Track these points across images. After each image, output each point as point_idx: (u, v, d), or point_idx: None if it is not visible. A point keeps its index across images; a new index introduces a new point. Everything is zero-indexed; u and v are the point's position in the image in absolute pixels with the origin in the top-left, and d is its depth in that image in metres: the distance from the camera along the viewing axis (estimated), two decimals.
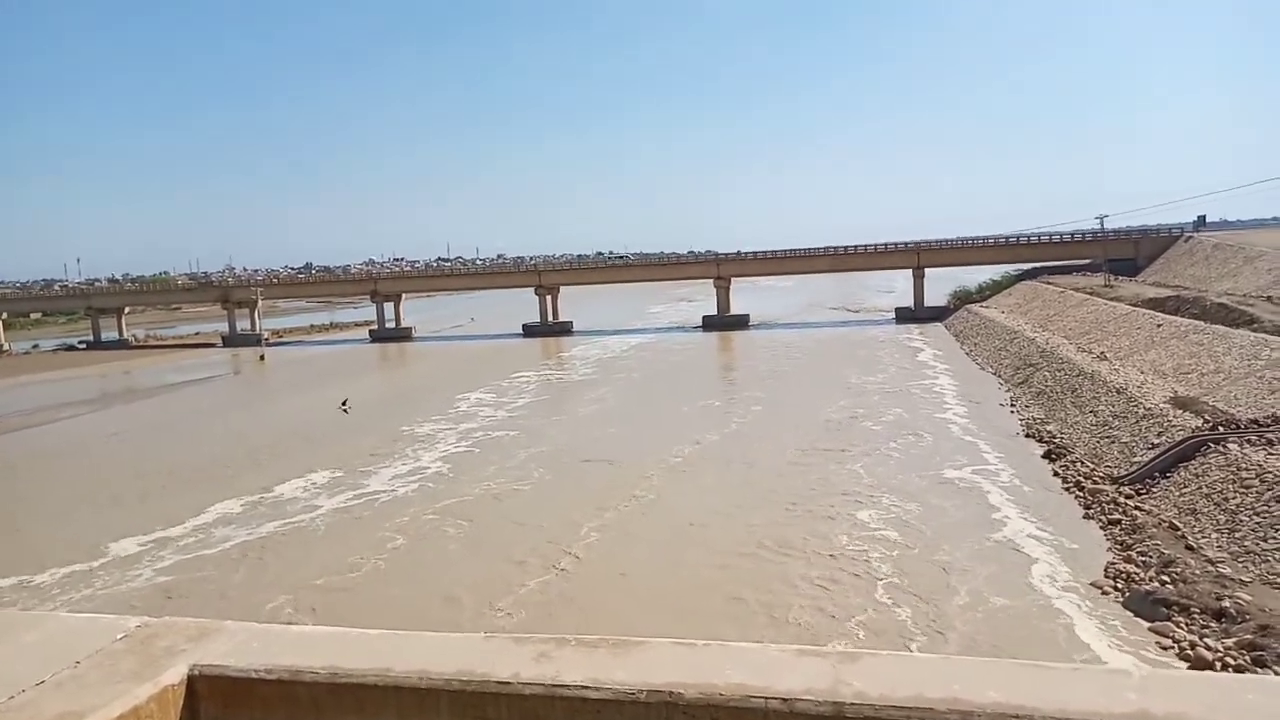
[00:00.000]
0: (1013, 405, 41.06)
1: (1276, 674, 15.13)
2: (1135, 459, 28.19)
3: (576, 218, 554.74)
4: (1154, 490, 25.38)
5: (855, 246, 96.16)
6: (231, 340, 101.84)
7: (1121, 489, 26.16)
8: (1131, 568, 20.70)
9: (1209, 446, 25.60)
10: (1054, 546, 22.86)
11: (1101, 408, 34.60)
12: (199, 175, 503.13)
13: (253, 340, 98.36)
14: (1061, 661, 2.49)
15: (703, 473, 32.02)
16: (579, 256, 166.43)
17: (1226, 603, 17.73)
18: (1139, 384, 35.30)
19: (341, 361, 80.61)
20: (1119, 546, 22.26)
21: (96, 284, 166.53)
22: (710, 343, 79.10)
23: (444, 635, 2.78)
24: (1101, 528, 23.76)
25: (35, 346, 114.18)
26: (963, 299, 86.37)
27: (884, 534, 24.55)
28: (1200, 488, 23.93)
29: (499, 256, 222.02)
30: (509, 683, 2.41)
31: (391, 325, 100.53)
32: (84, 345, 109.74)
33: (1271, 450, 24.21)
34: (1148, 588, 19.37)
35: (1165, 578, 19.63)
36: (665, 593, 21.10)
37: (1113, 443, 30.61)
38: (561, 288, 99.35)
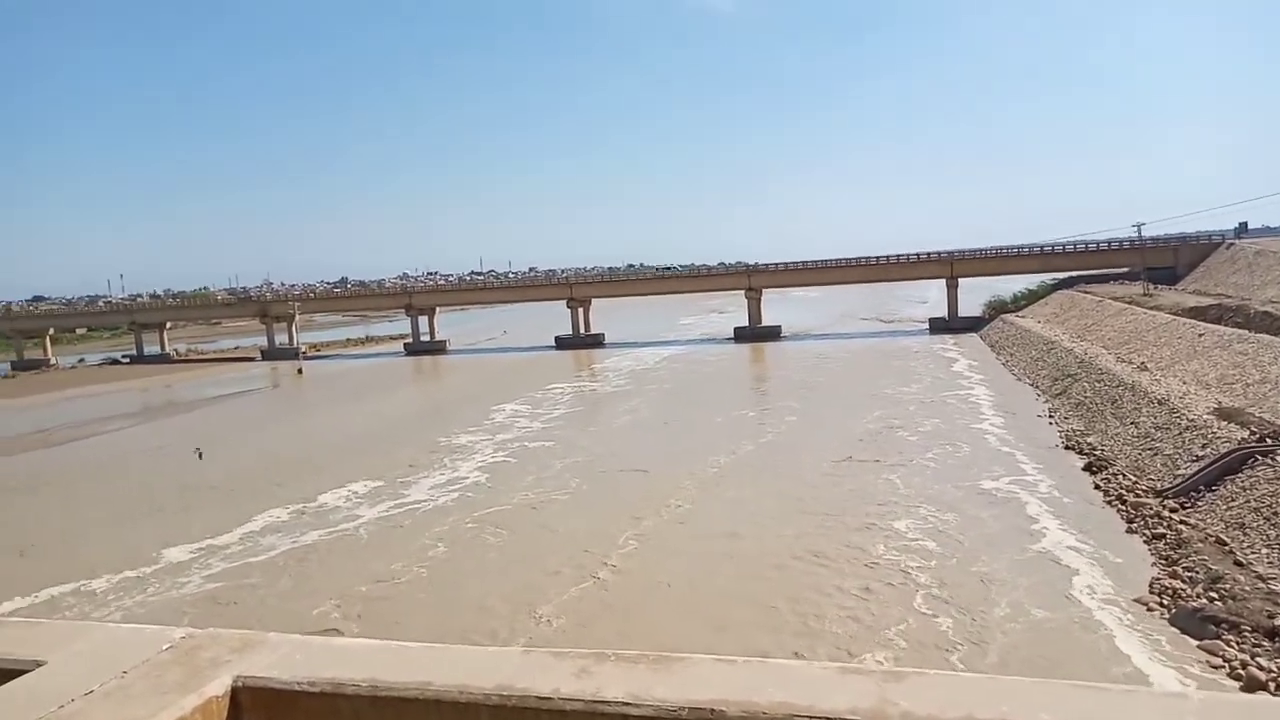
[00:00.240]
0: (1051, 417, 40.67)
1: None
2: (1179, 472, 27.82)
3: (608, 230, 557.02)
4: (1199, 504, 25.03)
5: (888, 257, 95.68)
6: (270, 354, 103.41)
7: (1165, 502, 25.82)
8: (1178, 583, 20.40)
9: (1257, 459, 25.22)
10: (1096, 559, 22.66)
11: (1143, 419, 34.19)
12: (238, 192, 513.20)
13: (290, 354, 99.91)
14: (1115, 682, 2.38)
15: (738, 483, 32.11)
16: (610, 269, 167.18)
17: None
18: (1181, 395, 34.84)
19: (377, 375, 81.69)
20: (1164, 561, 21.98)
21: (139, 299, 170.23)
22: (742, 354, 79.13)
23: (483, 649, 2.75)
24: (1145, 542, 23.48)
25: (81, 361, 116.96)
26: (998, 309, 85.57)
27: (921, 544, 24.49)
28: (1248, 501, 23.57)
29: (531, 270, 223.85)
30: (549, 698, 2.40)
31: (426, 338, 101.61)
32: (127, 359, 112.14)
33: None
34: (1195, 604, 19.08)
35: (1213, 594, 19.33)
36: (703, 601, 21.24)
37: (1155, 455, 30.24)
38: (593, 300, 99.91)
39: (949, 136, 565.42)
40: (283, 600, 22.71)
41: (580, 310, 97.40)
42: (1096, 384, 42.54)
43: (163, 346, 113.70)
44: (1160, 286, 72.13)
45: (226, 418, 59.52)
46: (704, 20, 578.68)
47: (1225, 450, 26.73)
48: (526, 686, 2.43)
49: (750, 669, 2.41)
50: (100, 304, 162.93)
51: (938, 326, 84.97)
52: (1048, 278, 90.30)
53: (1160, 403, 34.63)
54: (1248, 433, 27.60)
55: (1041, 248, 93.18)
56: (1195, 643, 17.83)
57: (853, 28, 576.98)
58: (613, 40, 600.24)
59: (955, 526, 25.72)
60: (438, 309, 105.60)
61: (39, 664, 3.03)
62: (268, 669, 2.78)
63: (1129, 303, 62.08)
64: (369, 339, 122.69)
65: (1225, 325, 44.78)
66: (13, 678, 2.99)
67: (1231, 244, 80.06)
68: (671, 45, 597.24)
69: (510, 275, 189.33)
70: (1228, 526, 22.94)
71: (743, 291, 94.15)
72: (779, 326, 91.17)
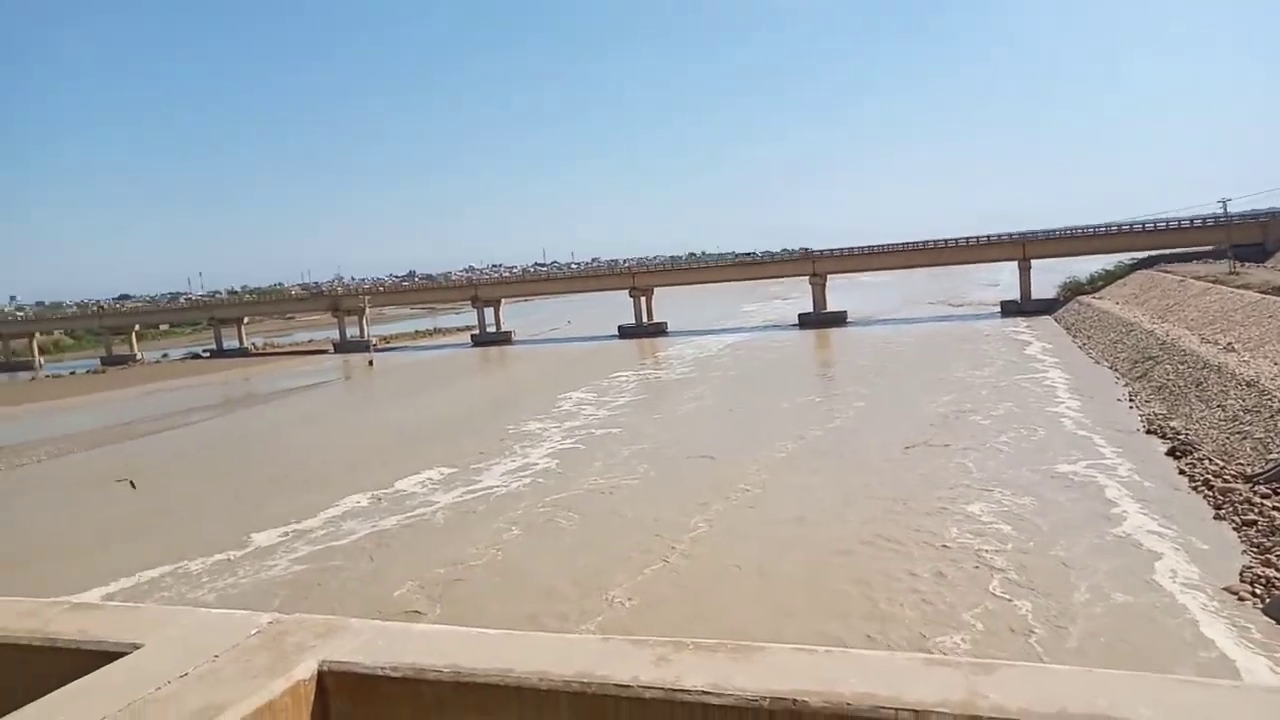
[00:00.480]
0: (1131, 400, 39.45)
1: None
2: (1271, 456, 26.75)
3: (670, 220, 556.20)
4: None
5: (956, 239, 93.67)
6: (342, 347, 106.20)
7: (1256, 488, 24.86)
8: (1271, 571, 19.65)
9: None
10: (1180, 545, 22.01)
11: (1231, 402, 32.93)
12: (308, 188, 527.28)
13: (361, 346, 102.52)
14: (1221, 678, 2.26)
15: (807, 468, 32.01)
16: (672, 258, 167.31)
17: None
18: (1273, 376, 33.44)
19: (445, 365, 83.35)
20: (1255, 549, 21.19)
21: (218, 296, 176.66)
22: (807, 340, 78.46)
23: (561, 636, 2.84)
24: (1234, 529, 22.68)
25: (165, 356, 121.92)
26: (1073, 290, 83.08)
27: (996, 528, 24.12)
28: None
29: (593, 260, 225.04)
30: (629, 685, 2.40)
31: (492, 329, 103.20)
32: (207, 354, 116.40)
33: None
34: None
35: None
36: (772, 586, 21.31)
37: (1245, 439, 29.11)
38: (655, 289, 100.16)
39: (1025, 115, 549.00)
40: (364, 583, 23.50)
41: (643, 299, 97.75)
42: (1180, 366, 41.09)
43: (240, 341, 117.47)
44: (1247, 264, 69.07)
45: (303, 408, 61.49)
46: (772, 12, 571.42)
47: None
48: (606, 674, 2.46)
49: (831, 659, 2.40)
50: (181, 301, 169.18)
51: (1010, 309, 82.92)
52: (1125, 258, 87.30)
53: (1249, 385, 33.31)
54: None
55: (1119, 227, 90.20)
56: None
57: (924, 13, 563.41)
58: (679, 30, 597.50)
59: (1031, 510, 25.25)
60: (503, 300, 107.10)
61: (136, 647, 3.17)
62: (351, 654, 2.85)
63: (1213, 281, 59.71)
64: (437, 330, 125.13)
65: None
66: (112, 659, 3.15)
67: None
68: (735, 38, 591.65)
69: (573, 266, 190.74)
70: None
71: (807, 278, 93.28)
72: (844, 312, 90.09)
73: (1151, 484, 26.96)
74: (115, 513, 33.36)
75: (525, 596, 21.48)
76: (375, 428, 49.59)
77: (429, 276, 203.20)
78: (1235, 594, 19.17)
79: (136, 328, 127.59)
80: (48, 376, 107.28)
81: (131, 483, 39.96)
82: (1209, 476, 26.81)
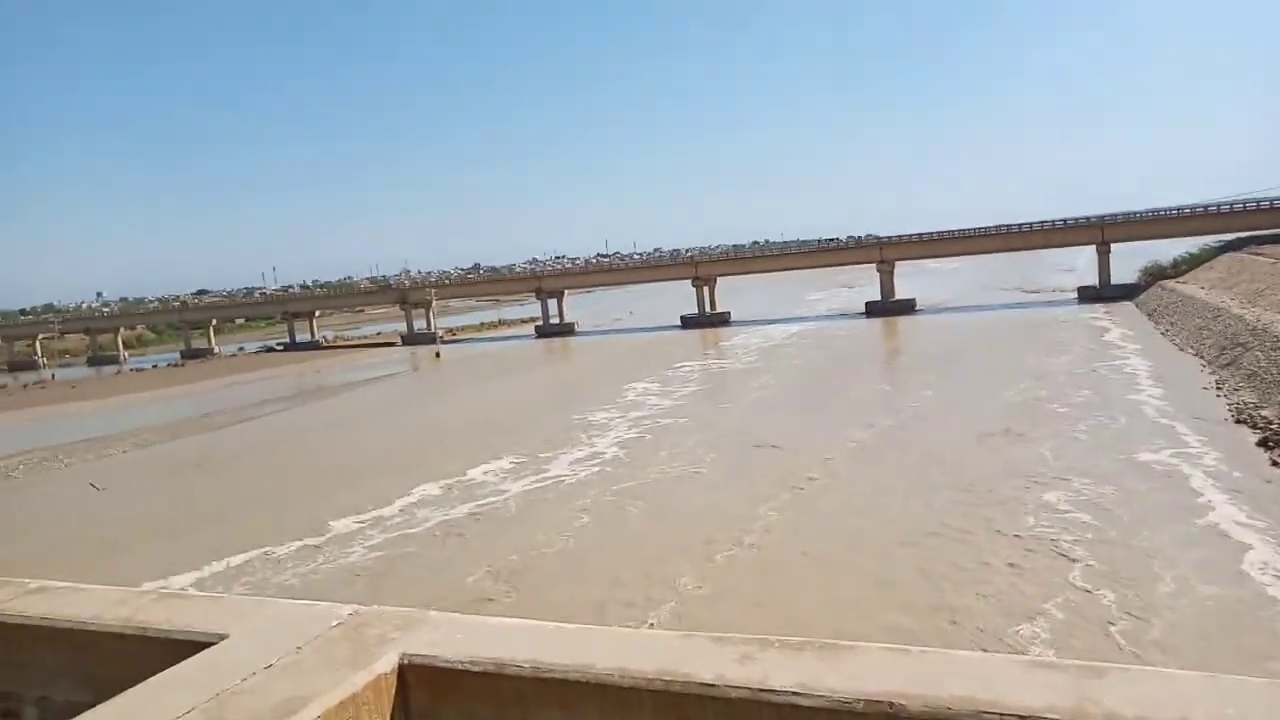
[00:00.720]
0: (1218, 388, 37.91)
1: None
2: None
3: (732, 207, 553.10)
4: None
5: (1031, 223, 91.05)
6: (410, 339, 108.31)
7: None
8: None
9: None
10: (1272, 537, 21.13)
11: None
12: (376, 183, 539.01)
13: (429, 339, 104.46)
14: None
15: (877, 456, 31.64)
16: (735, 246, 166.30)
17: None
18: None
19: (511, 356, 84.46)
20: None
21: (290, 290, 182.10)
22: (874, 329, 77.28)
23: (642, 631, 2.83)
24: None
25: (241, 349, 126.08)
26: (1155, 275, 79.93)
27: (1075, 517, 23.52)
28: None
29: (656, 250, 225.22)
30: (713, 684, 2.34)
31: (555, 321, 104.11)
32: (281, 347, 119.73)
33: None
34: None
35: None
36: (848, 571, 21.18)
37: None
38: (718, 278, 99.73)
39: (1102, 94, 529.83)
40: (439, 569, 24.07)
41: (705, 289, 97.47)
42: (1273, 353, 39.29)
43: (312, 334, 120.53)
44: None
45: (374, 399, 63.03)
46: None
47: None
48: (689, 672, 2.42)
49: (927, 660, 2.31)
50: (256, 296, 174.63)
51: (1087, 295, 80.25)
52: (1212, 240, 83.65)
53: None
54: None
55: (1204, 208, 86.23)
56: None
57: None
58: (743, 26, 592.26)
59: (1112, 500, 24.54)
60: (566, 291, 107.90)
61: (222, 637, 3.26)
62: (431, 647, 2.88)
63: None
64: (501, 322, 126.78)
65: None
66: (200, 649, 3.23)
67: None
68: (802, 37, 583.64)
69: (635, 256, 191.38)
70: None
71: (874, 265, 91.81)
72: (913, 300, 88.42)
73: (1240, 474, 25.92)
74: (201, 500, 34.78)
75: (595, 583, 21.75)
76: (444, 418, 50.60)
77: (493, 269, 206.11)
78: None
79: (214, 322, 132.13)
80: (132, 370, 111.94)
81: (94, 484, 39.71)
82: None
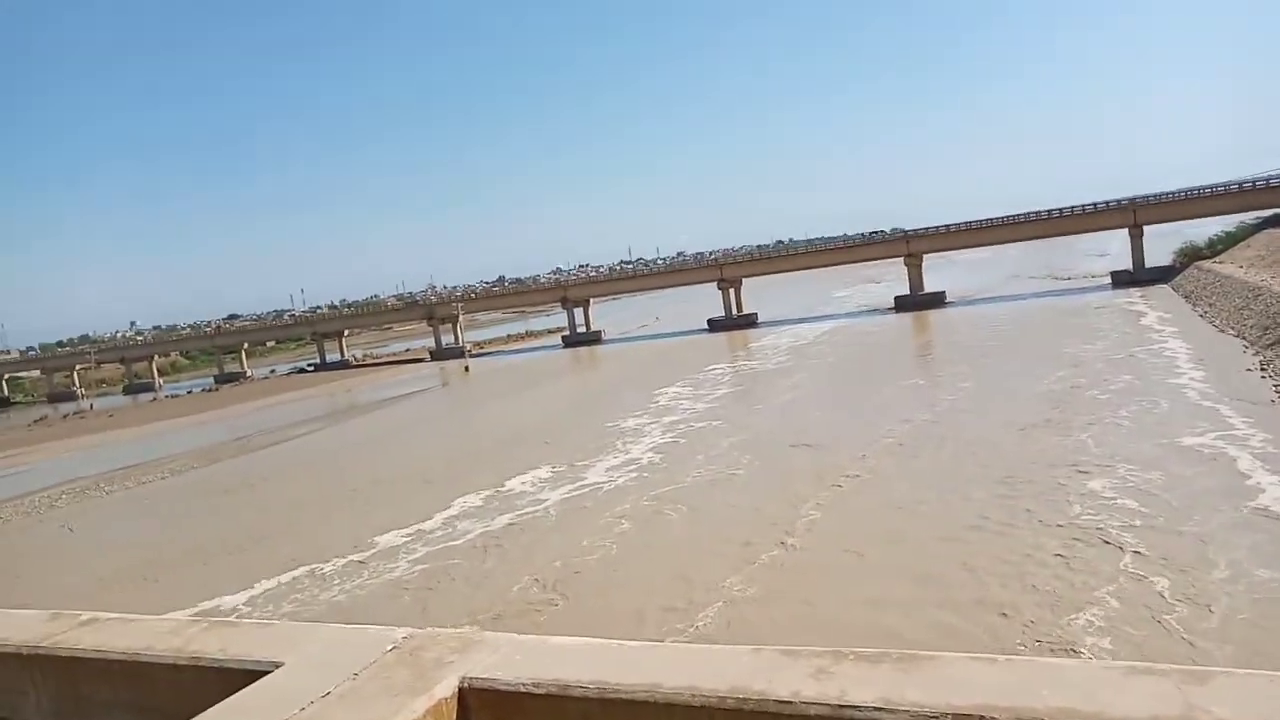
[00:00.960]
0: (1263, 369, 37.17)
1: None
2: None
3: (755, 208, 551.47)
4: None
5: (1060, 209, 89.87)
6: (438, 354, 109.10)
7: None
8: None
9: None
10: None
11: None
12: (398, 200, 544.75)
13: (457, 353, 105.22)
14: None
15: (915, 451, 31.40)
16: (759, 246, 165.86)
17: None
18: None
19: (539, 367, 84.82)
20: None
21: (319, 311, 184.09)
22: (905, 324, 76.73)
23: (708, 647, 2.72)
24: None
25: (272, 371, 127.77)
26: (1190, 256, 78.56)
27: (1121, 503, 23.19)
28: None
29: (679, 254, 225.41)
30: (790, 702, 2.24)
31: (582, 330, 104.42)
32: (312, 367, 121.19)
33: None
34: None
35: None
36: (892, 568, 21.02)
37: None
38: (744, 279, 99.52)
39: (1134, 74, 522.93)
40: (484, 580, 24.20)
41: (731, 291, 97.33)
42: None
43: (342, 353, 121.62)
44: None
45: (407, 415, 63.57)
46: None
47: None
48: (762, 689, 2.31)
49: (1015, 669, 2.19)
50: (286, 318, 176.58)
51: (1121, 280, 79.09)
52: (1248, 218, 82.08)
53: None
54: None
55: (1239, 185, 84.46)
56: None
57: None
58: (764, 27, 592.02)
59: (1159, 485, 24.16)
60: (591, 300, 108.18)
61: (277, 665, 3.20)
62: (491, 669, 2.80)
63: None
64: (528, 334, 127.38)
65: None
66: (255, 678, 3.17)
67: None
68: (824, 38, 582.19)
69: (659, 261, 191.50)
70: None
71: (901, 259, 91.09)
72: (943, 292, 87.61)
73: None
74: (244, 521, 35.28)
75: (640, 588, 21.77)
76: (478, 431, 50.95)
77: (518, 280, 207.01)
78: None
79: (245, 346, 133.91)
80: (167, 397, 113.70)
81: (70, 528, 39.15)
82: None
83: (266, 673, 3.16)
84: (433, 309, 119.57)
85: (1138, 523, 21.74)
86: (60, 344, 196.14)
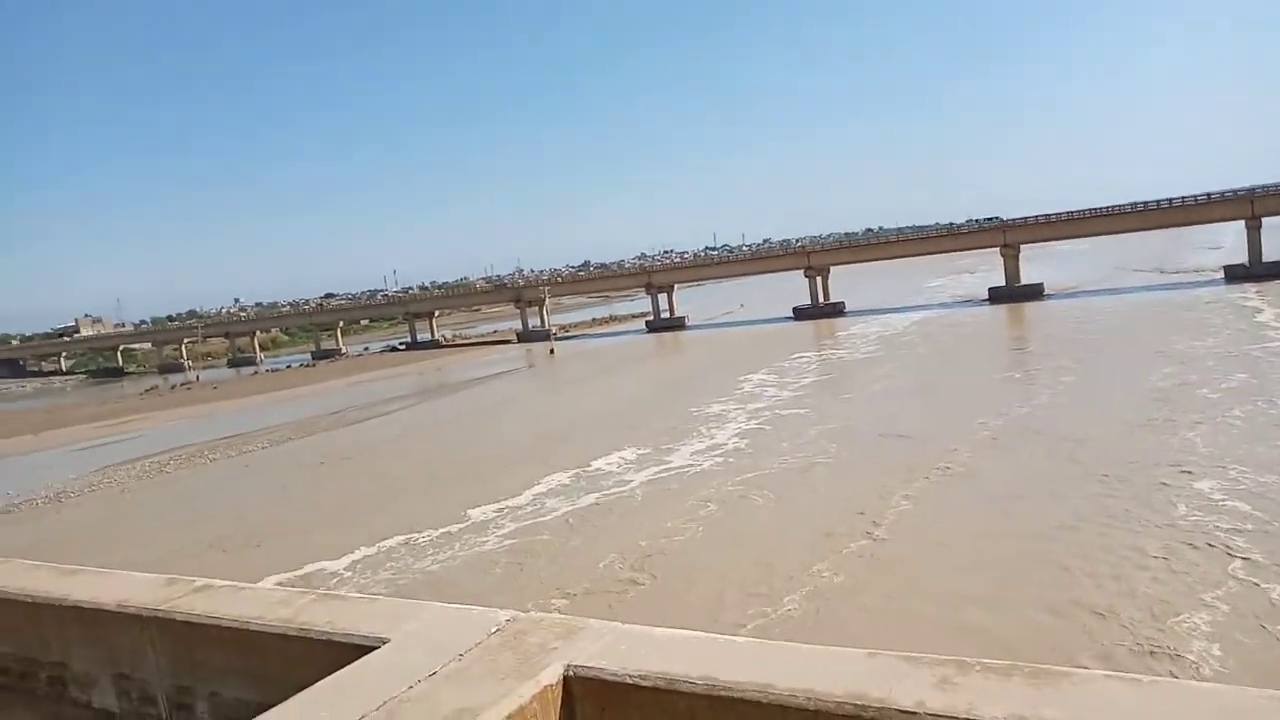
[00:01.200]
0: None
1: None
2: None
3: (844, 196, 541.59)
4: None
5: (1170, 200, 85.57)
6: (524, 336, 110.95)
7: None
8: None
9: None
10: None
11: None
12: (487, 184, 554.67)
13: (542, 335, 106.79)
14: None
15: (1011, 446, 30.57)
16: (847, 234, 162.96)
17: None
18: None
19: (623, 351, 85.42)
20: None
21: (411, 291, 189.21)
22: (1000, 316, 74.40)
23: (821, 648, 2.62)
24: None
25: (366, 349, 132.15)
26: None
27: (1231, 506, 22.17)
28: None
29: (765, 241, 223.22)
30: (914, 713, 2.14)
31: (666, 315, 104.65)
32: (403, 346, 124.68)
33: None
34: None
35: None
36: (986, 564, 20.59)
37: None
38: (831, 268, 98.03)
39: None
40: (572, 555, 24.69)
41: (818, 279, 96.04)
42: None
43: (432, 333, 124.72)
44: None
45: (494, 395, 64.95)
46: None
47: None
48: (882, 697, 2.22)
49: (1160, 691, 2.05)
50: (379, 298, 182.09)
51: (1236, 274, 74.92)
52: None
53: None
54: None
55: None
56: None
57: None
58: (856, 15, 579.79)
59: (1275, 489, 22.97)
60: (676, 285, 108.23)
61: (383, 641, 3.28)
62: (596, 658, 2.77)
63: None
64: (612, 318, 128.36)
65: None
66: (362, 653, 3.25)
67: None
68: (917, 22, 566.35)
69: (744, 248, 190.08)
70: None
71: (998, 249, 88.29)
72: (1041, 284, 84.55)
73: None
74: (340, 491, 36.71)
75: (727, 570, 21.89)
76: (564, 411, 51.75)
77: (603, 265, 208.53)
78: None
79: (341, 324, 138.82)
80: (268, 371, 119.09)
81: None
82: None
83: (373, 648, 3.23)
84: (520, 292, 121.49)
85: (1249, 527, 20.76)
86: (170, 318, 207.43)
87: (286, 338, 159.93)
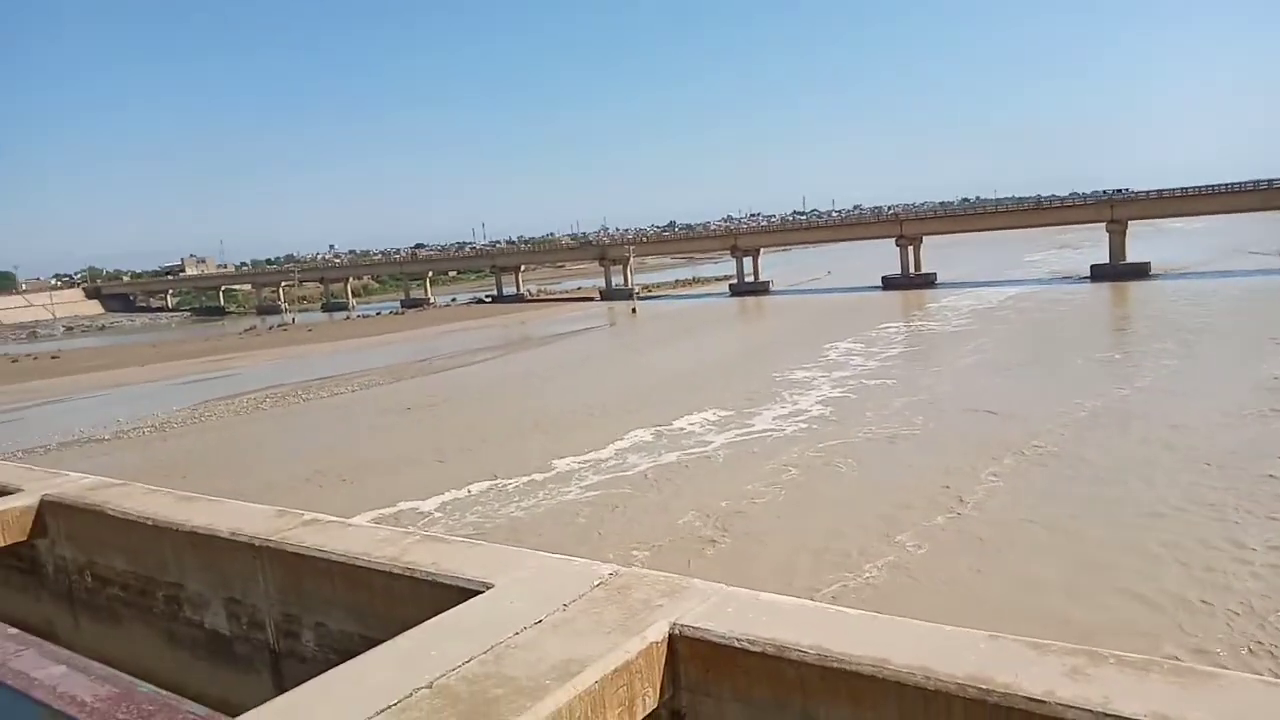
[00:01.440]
0: None
1: None
2: None
3: (937, 164, 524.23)
4: None
5: None
6: (608, 294, 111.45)
7: None
8: None
9: None
10: None
11: None
12: (575, 143, 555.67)
13: (625, 294, 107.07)
14: None
15: (1110, 426, 29.46)
16: (943, 204, 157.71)
17: None
18: None
19: (705, 314, 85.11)
20: None
21: (498, 245, 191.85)
22: (1102, 294, 71.28)
23: (938, 627, 2.50)
24: None
25: (453, 300, 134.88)
26: None
27: None
28: None
29: (855, 208, 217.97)
30: (1043, 701, 2.03)
31: (750, 279, 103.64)
32: (489, 299, 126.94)
33: None
34: None
35: None
36: (1074, 544, 20.03)
37: None
38: (924, 238, 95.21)
39: None
40: (653, 510, 24.94)
41: (910, 248, 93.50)
42: None
43: (518, 287, 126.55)
44: None
45: (577, 351, 65.61)
46: None
47: None
48: (1009, 682, 2.13)
49: None
50: (467, 250, 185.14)
51: None
52: None
53: None
54: None
55: None
56: None
57: None
58: None
59: None
60: (762, 250, 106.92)
61: (488, 586, 3.32)
62: (702, 619, 2.74)
63: None
64: (695, 280, 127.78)
65: None
66: (466, 596, 3.30)
67: None
68: None
69: (833, 214, 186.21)
70: None
71: (1103, 224, 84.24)
72: (1148, 263, 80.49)
73: None
74: (428, 437, 37.73)
75: (808, 533, 21.82)
76: (646, 370, 51.97)
77: (688, 227, 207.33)
78: None
79: (430, 274, 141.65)
80: (359, 316, 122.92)
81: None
82: None
83: (477, 592, 3.29)
84: (605, 250, 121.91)
85: None
86: (269, 261, 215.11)
87: (377, 285, 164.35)
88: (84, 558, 5.86)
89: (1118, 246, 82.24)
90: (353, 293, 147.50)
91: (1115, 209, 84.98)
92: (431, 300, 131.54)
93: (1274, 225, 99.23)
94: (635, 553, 21.36)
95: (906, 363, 46.13)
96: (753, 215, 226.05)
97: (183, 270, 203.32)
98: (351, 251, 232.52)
